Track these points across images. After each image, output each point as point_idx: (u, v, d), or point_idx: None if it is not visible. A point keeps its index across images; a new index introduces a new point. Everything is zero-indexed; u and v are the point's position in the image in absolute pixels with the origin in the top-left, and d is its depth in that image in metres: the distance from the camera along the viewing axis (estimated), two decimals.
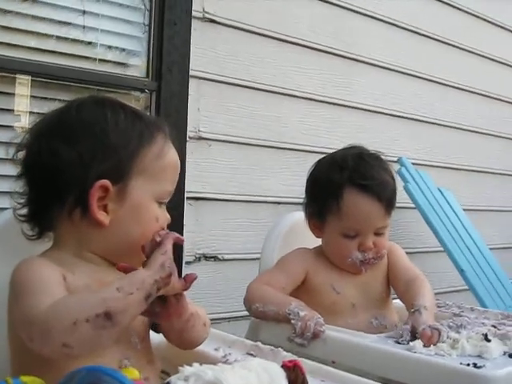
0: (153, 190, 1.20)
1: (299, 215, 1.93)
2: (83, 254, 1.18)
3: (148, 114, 2.28)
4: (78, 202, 1.14)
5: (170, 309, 1.14)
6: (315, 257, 1.82)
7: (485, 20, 3.84)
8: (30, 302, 1.02)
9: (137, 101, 2.31)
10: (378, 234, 1.75)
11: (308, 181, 1.87)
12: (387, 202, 1.74)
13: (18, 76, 2.05)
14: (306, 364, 1.12)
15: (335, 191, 1.74)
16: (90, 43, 2.20)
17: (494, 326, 1.59)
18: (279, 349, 1.23)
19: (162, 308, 1.12)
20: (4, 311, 1.10)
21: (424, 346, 1.40)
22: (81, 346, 0.96)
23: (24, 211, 1.21)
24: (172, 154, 1.24)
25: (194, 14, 2.41)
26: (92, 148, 1.14)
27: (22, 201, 1.20)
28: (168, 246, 1.08)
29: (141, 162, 1.18)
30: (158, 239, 1.10)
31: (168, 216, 1.24)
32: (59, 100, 2.09)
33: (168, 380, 0.80)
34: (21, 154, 1.20)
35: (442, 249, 3.02)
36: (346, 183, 1.73)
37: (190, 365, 0.82)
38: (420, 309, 1.56)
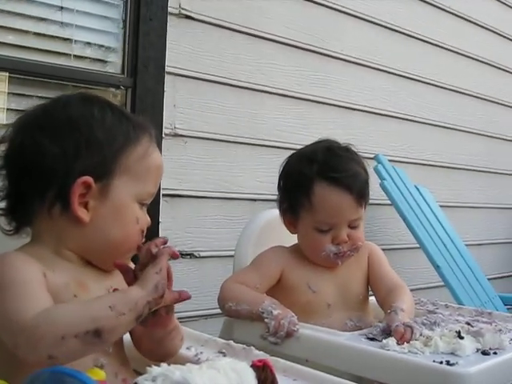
0: (135, 191, 1.19)
1: (274, 212, 1.92)
2: (61, 252, 1.16)
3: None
4: (58, 197, 1.13)
5: (158, 319, 1.14)
6: (291, 255, 1.81)
7: (461, 18, 3.86)
8: (15, 306, 1.00)
9: (114, 97, 2.29)
10: (352, 226, 1.74)
11: (279, 177, 1.86)
12: (358, 193, 1.72)
13: None
14: (278, 363, 1.12)
15: (305, 186, 1.73)
16: (67, 39, 2.18)
17: (468, 323, 1.60)
18: (251, 347, 1.23)
19: (150, 317, 1.11)
20: None
21: (397, 343, 1.40)
22: (66, 359, 0.95)
23: (2, 205, 1.19)
24: (156, 156, 1.23)
25: (169, 10, 2.39)
26: (76, 144, 1.13)
27: (1, 194, 1.18)
28: (163, 263, 1.07)
29: (125, 161, 1.17)
30: (154, 251, 1.08)
31: (148, 219, 1.24)
32: (37, 97, 2.09)
33: (135, 381, 0.79)
34: (2, 147, 1.18)
35: (418, 245, 3.03)
36: (315, 177, 1.72)
37: (158, 365, 0.81)
38: (397, 310, 1.56)
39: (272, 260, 1.78)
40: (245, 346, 1.24)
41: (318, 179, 1.71)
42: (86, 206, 1.14)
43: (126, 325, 1.02)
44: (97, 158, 1.14)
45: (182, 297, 1.13)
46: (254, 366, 0.87)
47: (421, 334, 1.44)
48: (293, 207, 1.79)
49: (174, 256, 1.10)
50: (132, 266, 1.18)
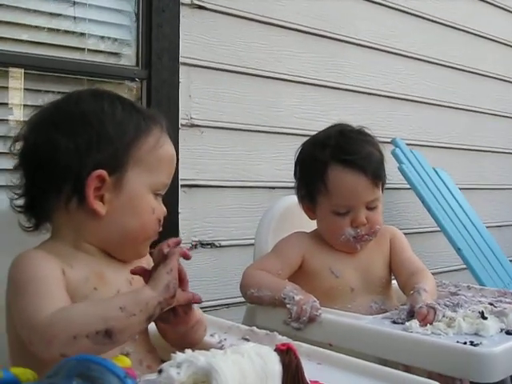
0: (149, 181, 1.21)
1: (293, 199, 1.93)
2: (81, 245, 1.18)
3: (141, 103, 2.29)
4: (74, 191, 1.15)
5: (179, 319, 1.16)
6: (312, 240, 1.82)
7: None
8: (32, 304, 1.03)
9: (130, 90, 2.30)
10: (369, 208, 1.74)
11: (295, 164, 1.87)
12: (373, 174, 1.72)
13: (10, 69, 2.04)
14: (301, 347, 1.13)
15: (320, 170, 1.73)
16: (81, 34, 2.19)
17: (491, 304, 1.60)
18: (274, 333, 1.24)
19: (171, 317, 1.15)
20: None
21: (420, 325, 1.41)
22: None
23: (20, 202, 1.21)
24: (168, 147, 1.25)
25: (182, 0, 2.39)
26: (89, 138, 1.15)
27: (18, 192, 1.21)
28: (173, 263, 1.08)
29: (137, 152, 1.19)
30: (166, 251, 1.09)
31: (164, 209, 1.26)
32: (53, 92, 2.10)
33: (161, 367, 0.80)
34: (18, 146, 1.21)
35: (438, 229, 3.01)
36: (329, 161, 1.72)
37: (183, 351, 0.82)
38: (420, 290, 1.55)
39: (293, 246, 1.79)
40: (268, 331, 1.25)
41: (332, 163, 1.72)
42: (101, 199, 1.16)
43: (137, 325, 1.04)
44: (109, 152, 1.16)
45: (195, 298, 1.14)
46: (277, 350, 0.88)
47: (444, 316, 1.44)
48: (310, 193, 1.79)
49: (185, 257, 1.12)
50: (150, 261, 1.21)
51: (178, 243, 1.12)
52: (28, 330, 1.01)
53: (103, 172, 1.14)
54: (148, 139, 1.20)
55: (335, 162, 1.72)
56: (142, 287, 1.07)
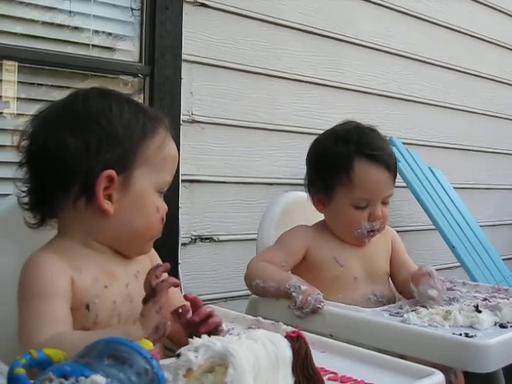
0: (154, 181, 1.23)
1: (293, 195, 1.97)
2: (90, 243, 1.21)
3: (143, 99, 2.32)
4: (83, 191, 1.17)
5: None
6: (316, 232, 1.85)
7: (476, 1, 3.87)
8: (32, 322, 1.08)
9: (131, 86, 2.33)
10: (384, 203, 1.80)
11: (311, 159, 1.90)
12: (394, 170, 1.81)
13: (4, 62, 2.05)
14: (306, 336, 1.17)
15: (345, 164, 1.77)
16: (77, 28, 2.20)
17: (486, 299, 1.64)
18: (280, 323, 1.27)
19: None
20: (7, 294, 1.15)
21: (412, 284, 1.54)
22: None
23: (27, 199, 1.23)
24: (172, 147, 1.28)
25: None
26: (98, 138, 1.17)
27: (25, 189, 1.23)
28: (163, 300, 1.05)
29: (144, 153, 1.21)
30: (154, 284, 1.06)
31: (166, 206, 1.28)
32: (47, 85, 2.12)
33: (179, 351, 0.83)
34: (24, 143, 1.22)
35: (433, 227, 3.05)
36: (354, 155, 1.77)
37: (200, 336, 0.86)
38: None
39: (296, 238, 1.83)
40: (273, 321, 1.29)
41: (358, 157, 1.77)
42: (109, 198, 1.18)
43: None
44: (118, 152, 1.18)
45: (181, 315, 1.14)
46: (288, 337, 0.92)
47: (427, 290, 1.57)
48: (327, 186, 1.82)
49: (174, 285, 1.09)
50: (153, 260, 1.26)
51: (166, 270, 1.10)
52: (23, 347, 1.03)
53: (112, 172, 1.17)
54: (154, 139, 1.23)
55: (361, 157, 1.76)
56: (133, 326, 1.05)
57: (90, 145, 1.16)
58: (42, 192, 1.21)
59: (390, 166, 1.79)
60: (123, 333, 1.00)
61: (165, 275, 1.09)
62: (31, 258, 1.16)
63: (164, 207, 1.27)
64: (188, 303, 1.19)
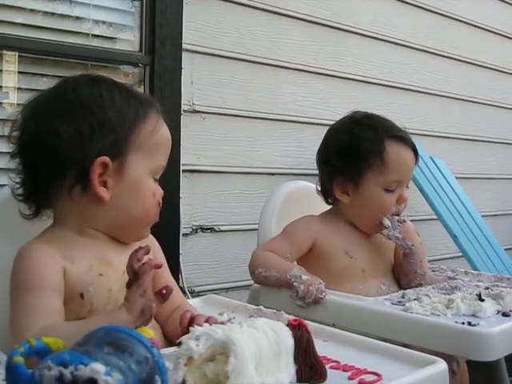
0: (148, 165, 1.23)
1: (295, 185, 1.96)
2: (86, 231, 1.21)
3: (143, 89, 2.31)
4: (78, 179, 1.17)
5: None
6: (323, 223, 1.85)
7: None
8: (23, 315, 1.08)
9: (131, 76, 2.32)
10: (406, 186, 1.84)
11: (332, 148, 1.87)
12: (416, 153, 1.83)
13: (4, 52, 2.04)
14: (309, 325, 1.16)
15: (377, 147, 1.78)
16: (77, 18, 2.19)
17: (488, 288, 1.64)
18: (282, 312, 1.27)
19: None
20: (2, 284, 1.15)
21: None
22: None
23: (20, 190, 1.23)
24: (164, 130, 1.27)
25: None
26: (90, 126, 1.16)
27: (18, 180, 1.22)
28: (146, 283, 1.04)
29: (137, 138, 1.21)
30: (136, 267, 1.05)
31: (161, 190, 1.28)
32: (47, 75, 2.12)
33: (180, 340, 0.83)
34: (15, 133, 1.21)
35: (434, 217, 3.05)
36: (385, 138, 1.79)
37: (201, 325, 0.86)
38: None
39: (303, 229, 1.82)
40: (275, 310, 1.28)
41: (388, 139, 1.79)
42: (105, 184, 1.18)
43: None
44: (111, 138, 1.17)
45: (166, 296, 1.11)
46: (290, 325, 0.91)
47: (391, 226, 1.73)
48: (356, 172, 1.81)
49: (156, 267, 1.08)
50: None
51: (147, 252, 1.09)
52: (15, 340, 1.03)
53: (106, 158, 1.16)
54: (146, 124, 1.22)
55: (391, 139, 1.79)
56: (118, 310, 1.04)
57: (83, 132, 1.16)
58: (36, 182, 1.20)
59: (415, 147, 1.82)
60: (109, 320, 1.00)
61: (146, 258, 1.08)
62: (23, 248, 1.16)
63: (160, 192, 1.27)
64: (171, 284, 1.20)
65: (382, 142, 1.78)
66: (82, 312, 1.15)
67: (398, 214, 1.80)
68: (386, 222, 1.77)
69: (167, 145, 1.28)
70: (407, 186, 1.83)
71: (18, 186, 1.22)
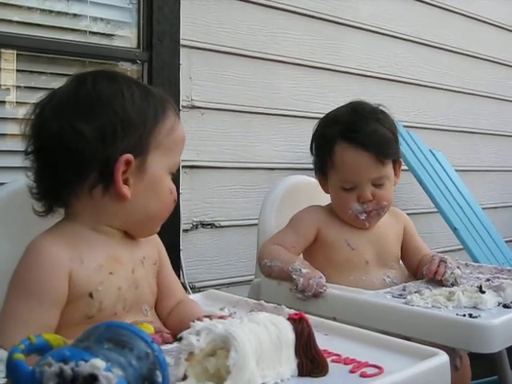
0: (167, 163, 1.23)
1: (294, 179, 1.96)
2: (99, 228, 1.21)
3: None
4: (101, 178, 1.16)
5: None
6: (327, 213, 1.86)
7: None
8: (10, 321, 1.08)
9: (129, 73, 2.31)
10: (376, 185, 1.78)
11: (311, 140, 1.90)
12: (376, 151, 1.74)
13: (2, 51, 2.03)
14: (309, 319, 1.16)
15: (328, 147, 1.79)
16: (75, 15, 2.19)
17: (489, 280, 1.64)
18: (283, 306, 1.26)
19: None
20: (7, 280, 1.13)
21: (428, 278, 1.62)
22: None
23: (36, 189, 1.22)
24: (181, 129, 1.28)
25: None
26: (113, 126, 1.16)
27: (37, 179, 1.21)
28: None
29: (157, 136, 1.21)
30: None
31: (175, 186, 1.28)
32: (46, 73, 2.11)
33: (181, 335, 0.83)
34: (33, 132, 1.20)
35: (434, 209, 3.04)
36: (336, 138, 1.77)
37: (201, 320, 0.86)
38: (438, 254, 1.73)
39: (307, 219, 1.83)
40: (276, 304, 1.28)
41: (339, 140, 1.77)
42: (126, 182, 1.18)
43: None
44: (133, 137, 1.17)
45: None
46: (290, 319, 0.91)
47: (452, 273, 1.60)
48: (321, 168, 1.85)
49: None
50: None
51: None
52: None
53: (130, 156, 1.16)
54: (165, 123, 1.22)
55: (341, 139, 1.76)
56: None
57: (106, 133, 1.15)
58: (55, 181, 1.19)
59: (369, 147, 1.74)
60: None
61: None
62: (33, 244, 1.15)
63: (175, 189, 1.28)
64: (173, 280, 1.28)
65: (333, 142, 1.78)
66: (91, 311, 1.15)
67: (366, 212, 1.79)
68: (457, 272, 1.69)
69: (183, 142, 1.29)
70: (377, 185, 1.77)
71: (35, 184, 1.21)
